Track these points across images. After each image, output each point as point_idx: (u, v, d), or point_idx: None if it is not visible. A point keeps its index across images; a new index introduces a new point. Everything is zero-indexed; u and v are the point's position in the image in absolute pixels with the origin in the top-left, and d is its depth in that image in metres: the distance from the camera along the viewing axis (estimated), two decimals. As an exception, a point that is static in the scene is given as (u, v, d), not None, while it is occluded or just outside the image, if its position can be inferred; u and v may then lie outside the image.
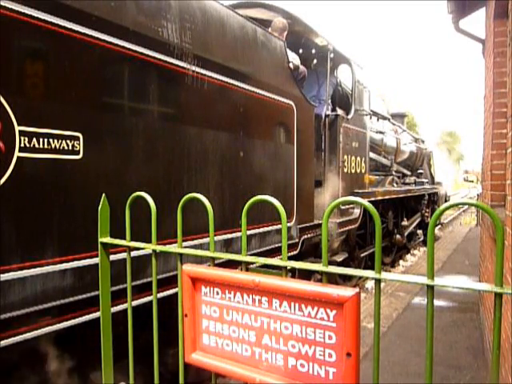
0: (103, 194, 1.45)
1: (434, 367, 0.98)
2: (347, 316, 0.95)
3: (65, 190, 1.98)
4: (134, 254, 1.97)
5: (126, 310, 1.47)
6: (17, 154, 1.76)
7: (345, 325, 0.96)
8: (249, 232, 3.21)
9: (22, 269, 1.82)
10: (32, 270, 1.85)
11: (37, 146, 1.84)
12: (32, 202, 1.86)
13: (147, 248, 1.37)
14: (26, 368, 2.05)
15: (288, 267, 1.12)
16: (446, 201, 11.60)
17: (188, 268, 1.21)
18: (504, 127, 3.00)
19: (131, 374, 1.44)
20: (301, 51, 5.37)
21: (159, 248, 1.35)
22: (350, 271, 1.07)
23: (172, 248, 1.40)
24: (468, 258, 7.36)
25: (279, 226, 3.50)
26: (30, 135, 1.81)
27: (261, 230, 3.37)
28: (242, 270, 1.19)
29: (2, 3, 1.71)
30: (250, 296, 1.12)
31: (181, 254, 1.28)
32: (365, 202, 1.05)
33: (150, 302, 1.40)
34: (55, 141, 1.90)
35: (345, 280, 5.71)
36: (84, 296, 2.05)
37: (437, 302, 4.60)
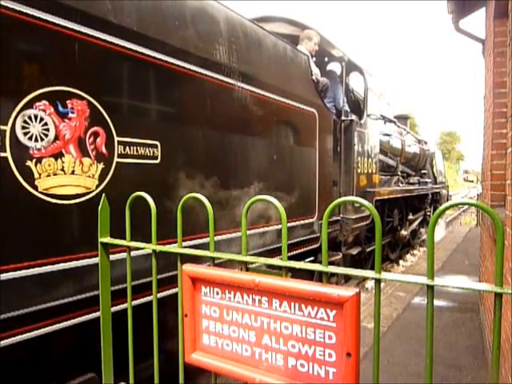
0: (103, 195, 1.47)
1: (434, 367, 0.98)
2: (347, 316, 0.95)
3: (148, 190, 2.12)
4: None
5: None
6: (116, 159, 2.18)
7: (345, 325, 0.96)
8: (274, 228, 3.55)
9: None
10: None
11: (129, 152, 2.25)
12: (126, 200, 2.00)
13: (147, 248, 1.37)
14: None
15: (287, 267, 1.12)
16: (447, 200, 11.75)
17: (188, 268, 1.21)
18: (504, 127, 3.00)
19: (131, 374, 1.44)
20: (314, 59, 5.50)
21: (159, 248, 1.35)
22: (350, 271, 1.07)
23: (172, 248, 1.40)
24: (468, 258, 7.36)
25: (303, 222, 3.98)
26: (125, 144, 2.23)
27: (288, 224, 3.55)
28: (241, 269, 1.19)
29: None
30: (250, 296, 1.12)
31: (181, 254, 1.28)
32: (365, 202, 1.04)
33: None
34: (141, 148, 2.32)
35: (346, 280, 5.82)
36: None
37: (437, 302, 4.61)
